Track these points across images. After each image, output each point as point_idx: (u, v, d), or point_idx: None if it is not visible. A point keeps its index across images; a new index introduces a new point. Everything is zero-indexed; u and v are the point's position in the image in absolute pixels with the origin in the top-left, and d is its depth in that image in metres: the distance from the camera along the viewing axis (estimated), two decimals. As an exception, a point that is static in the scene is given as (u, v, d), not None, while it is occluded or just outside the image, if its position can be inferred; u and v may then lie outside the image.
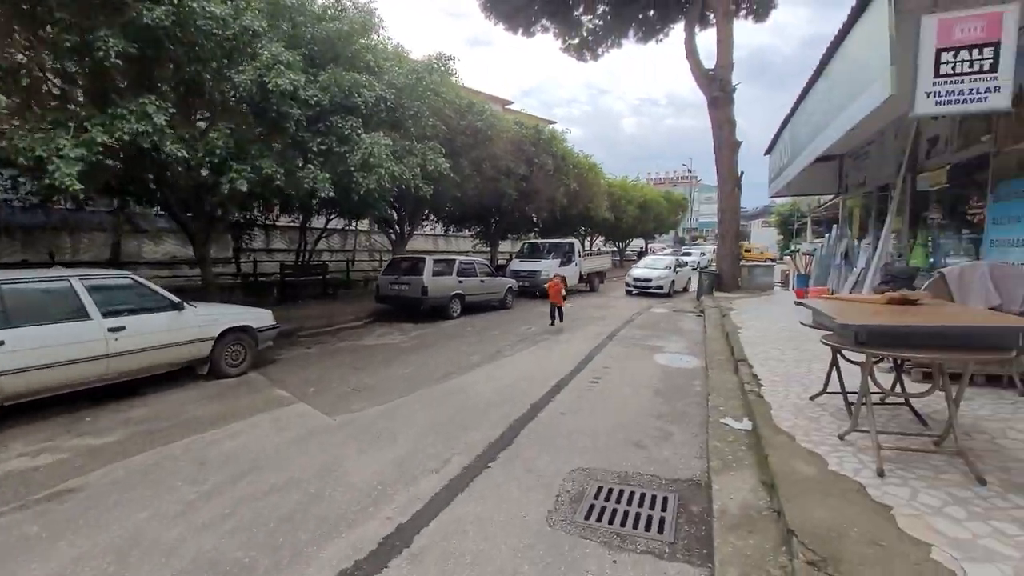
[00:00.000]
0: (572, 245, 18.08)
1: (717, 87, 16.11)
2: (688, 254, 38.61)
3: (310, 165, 7.50)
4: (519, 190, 17.48)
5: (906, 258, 7.94)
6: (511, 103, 38.91)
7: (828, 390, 4.32)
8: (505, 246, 26.35)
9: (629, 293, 17.65)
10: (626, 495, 3.44)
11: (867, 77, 4.99)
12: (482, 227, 21.06)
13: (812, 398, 4.47)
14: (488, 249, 22.18)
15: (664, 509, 3.27)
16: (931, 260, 7.62)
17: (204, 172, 6.60)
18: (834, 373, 4.11)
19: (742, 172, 16.38)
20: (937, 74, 4.34)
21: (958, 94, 4.33)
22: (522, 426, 4.79)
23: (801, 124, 9.47)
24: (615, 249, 36.89)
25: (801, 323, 3.99)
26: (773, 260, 23.49)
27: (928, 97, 4.42)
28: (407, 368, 7.10)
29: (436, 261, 11.73)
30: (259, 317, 6.93)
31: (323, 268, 14.92)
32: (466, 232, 23.09)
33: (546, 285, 11.17)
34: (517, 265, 17.58)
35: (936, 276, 4.58)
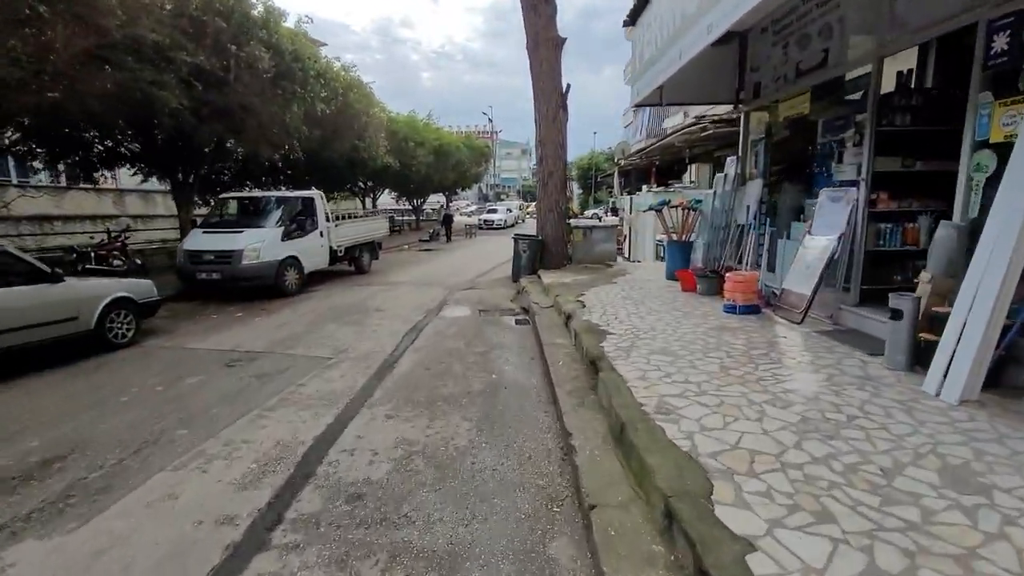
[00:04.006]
0: (311, 200, 10.54)
1: (528, -59, 9.99)
2: (494, 211, 34.01)
3: None
4: (203, 102, 9.36)
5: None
6: None
7: None
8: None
9: None
10: None
11: None
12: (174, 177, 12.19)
13: None
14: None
15: None
16: None
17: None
18: None
19: (568, 85, 10.83)
20: None
21: None
22: None
23: None
24: (410, 207, 29.77)
25: None
26: (600, 218, 19.26)
27: None
28: None
29: None
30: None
31: None
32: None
33: None
34: (197, 241, 9.34)
35: None
